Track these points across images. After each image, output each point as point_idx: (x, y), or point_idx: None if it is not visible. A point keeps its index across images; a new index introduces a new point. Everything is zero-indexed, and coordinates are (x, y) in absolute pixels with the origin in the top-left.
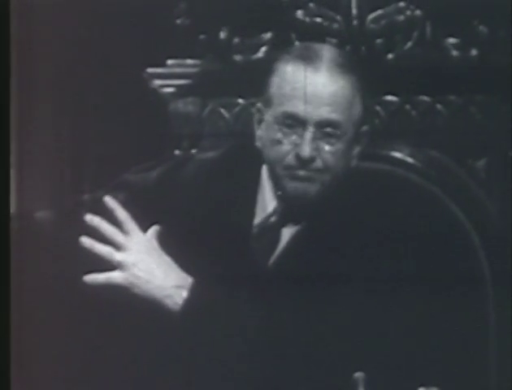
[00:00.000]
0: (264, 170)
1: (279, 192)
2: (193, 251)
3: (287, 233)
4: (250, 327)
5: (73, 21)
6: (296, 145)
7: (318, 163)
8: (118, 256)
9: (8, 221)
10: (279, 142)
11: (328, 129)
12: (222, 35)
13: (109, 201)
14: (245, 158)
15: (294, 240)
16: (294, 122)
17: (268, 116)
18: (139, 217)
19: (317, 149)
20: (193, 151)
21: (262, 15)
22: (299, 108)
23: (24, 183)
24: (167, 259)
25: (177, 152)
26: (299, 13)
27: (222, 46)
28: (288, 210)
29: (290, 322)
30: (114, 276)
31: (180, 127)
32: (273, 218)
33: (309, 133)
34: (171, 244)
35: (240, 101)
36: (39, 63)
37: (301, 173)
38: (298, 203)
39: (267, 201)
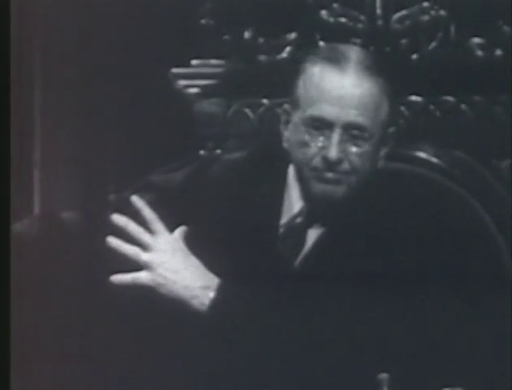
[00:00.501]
0: (291, 170)
1: (307, 194)
2: (220, 251)
3: (313, 234)
4: (277, 328)
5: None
6: (323, 148)
7: (346, 165)
8: (144, 256)
9: (8, 221)
10: (306, 144)
11: (355, 132)
12: (246, 35)
13: (136, 200)
14: (272, 159)
15: (320, 240)
16: (321, 124)
17: (295, 118)
18: (165, 217)
19: (344, 152)
20: (218, 151)
21: (286, 16)
22: (326, 111)
23: (49, 183)
24: (194, 260)
25: (202, 152)
26: (323, 13)
27: (246, 46)
28: (315, 210)
29: (316, 323)
30: (141, 277)
31: (205, 127)
32: (299, 219)
33: (336, 135)
34: (197, 245)
35: (265, 101)
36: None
37: (329, 175)
38: (325, 205)
39: (294, 202)
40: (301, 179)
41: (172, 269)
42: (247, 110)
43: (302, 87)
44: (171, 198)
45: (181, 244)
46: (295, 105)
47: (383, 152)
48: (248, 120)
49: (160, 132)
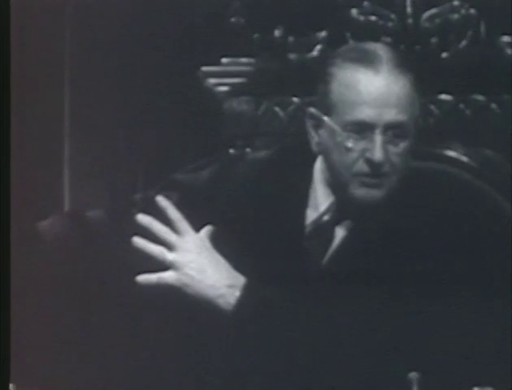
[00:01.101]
0: (316, 169)
1: (344, 197)
2: (246, 250)
3: (340, 232)
4: (303, 327)
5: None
6: (365, 151)
7: (387, 167)
8: (170, 256)
9: (8, 221)
10: (348, 149)
11: (395, 131)
12: (276, 33)
13: (161, 200)
14: (297, 157)
15: (348, 238)
16: (362, 127)
17: (331, 123)
18: (191, 216)
19: (386, 153)
20: (248, 150)
21: (316, 14)
22: (366, 113)
23: (77, 182)
24: (220, 259)
25: (231, 151)
26: (354, 11)
27: (276, 45)
28: (345, 210)
29: (344, 322)
30: (167, 276)
31: (235, 125)
32: (326, 217)
33: (378, 137)
34: (223, 244)
35: (295, 99)
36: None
37: (370, 180)
38: (366, 208)
39: (320, 200)
40: (339, 184)
41: (198, 268)
42: (277, 109)
43: (336, 92)
44: (197, 197)
45: (207, 244)
46: (328, 110)
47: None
48: (277, 119)
49: (189, 131)
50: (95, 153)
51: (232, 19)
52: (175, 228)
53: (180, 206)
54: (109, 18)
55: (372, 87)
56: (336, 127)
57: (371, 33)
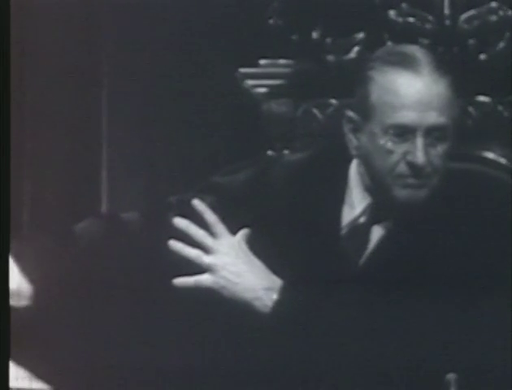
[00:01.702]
0: (352, 171)
1: (386, 199)
2: (283, 253)
3: (376, 233)
4: (340, 329)
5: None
6: (407, 154)
7: (429, 168)
8: (207, 259)
9: (8, 220)
10: (389, 152)
11: (436, 133)
12: (314, 35)
13: (197, 204)
14: (333, 160)
15: (384, 240)
16: (404, 130)
17: (371, 127)
18: (228, 219)
19: (428, 155)
20: (286, 152)
21: (354, 15)
22: (408, 117)
23: (115, 184)
24: (257, 261)
25: (269, 153)
26: (391, 13)
27: (314, 46)
28: (379, 210)
29: (380, 323)
30: (204, 279)
31: (273, 127)
32: (362, 219)
33: (420, 140)
34: (260, 246)
35: (333, 101)
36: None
37: (413, 181)
38: (408, 210)
39: (355, 202)
40: (378, 185)
41: (235, 271)
42: (315, 111)
43: (375, 95)
44: (234, 199)
45: (244, 247)
46: (368, 113)
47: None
48: (316, 120)
49: (227, 133)
50: (133, 156)
51: (271, 21)
52: (212, 231)
53: (216, 209)
54: (144, 18)
55: (413, 90)
56: (377, 131)
57: (409, 35)
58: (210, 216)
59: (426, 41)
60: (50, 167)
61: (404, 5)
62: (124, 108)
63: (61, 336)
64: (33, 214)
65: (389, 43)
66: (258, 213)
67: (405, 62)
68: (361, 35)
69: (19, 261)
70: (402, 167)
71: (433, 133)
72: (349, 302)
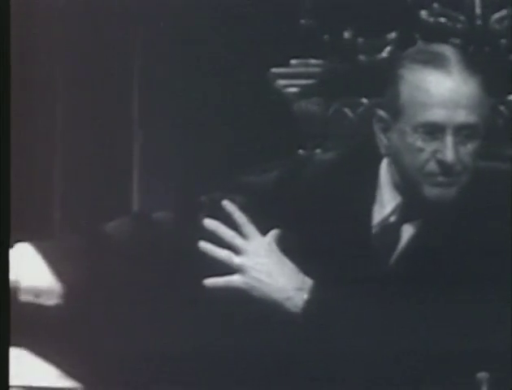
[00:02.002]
0: (382, 170)
1: (416, 198)
2: (313, 252)
3: (407, 233)
4: (372, 328)
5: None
6: (437, 152)
7: (458, 167)
8: (237, 260)
9: (8, 220)
10: (419, 150)
11: (466, 132)
12: (346, 35)
13: (227, 204)
14: (364, 159)
15: (415, 239)
16: (433, 129)
17: (401, 125)
18: (258, 219)
19: (457, 153)
20: (317, 151)
21: (386, 15)
22: (438, 115)
23: (146, 183)
24: (287, 262)
25: (301, 152)
26: (423, 13)
27: (346, 46)
28: (409, 209)
29: (411, 322)
30: (234, 280)
31: (304, 127)
32: (392, 218)
33: (450, 138)
34: (290, 246)
35: (365, 101)
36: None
37: (443, 179)
38: (438, 208)
39: (386, 201)
40: (408, 184)
41: (266, 271)
42: (346, 110)
43: (405, 94)
44: (264, 199)
45: (274, 247)
46: (398, 112)
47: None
48: (347, 120)
49: (259, 132)
50: (164, 155)
51: (302, 21)
52: (242, 232)
53: (247, 209)
54: (173, 18)
55: (443, 88)
56: (407, 129)
57: (440, 35)
58: (239, 217)
59: (457, 41)
60: (82, 167)
61: (435, 5)
62: (156, 108)
63: (91, 335)
64: (64, 213)
65: (420, 43)
66: (288, 212)
67: (435, 61)
68: (392, 35)
69: (50, 260)
70: (432, 166)
71: (463, 131)
72: (379, 301)
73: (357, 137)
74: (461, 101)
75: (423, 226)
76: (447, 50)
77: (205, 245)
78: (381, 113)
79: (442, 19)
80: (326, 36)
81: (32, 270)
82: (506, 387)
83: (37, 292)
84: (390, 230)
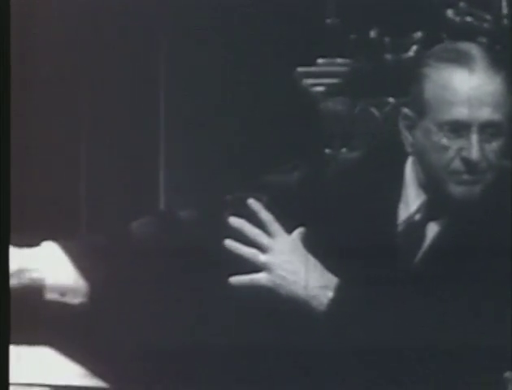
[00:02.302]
0: (407, 169)
1: (441, 196)
2: (338, 251)
3: (432, 231)
4: (396, 326)
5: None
6: (462, 150)
7: (483, 164)
8: (263, 258)
9: (8, 219)
10: (444, 148)
11: (491, 129)
12: (372, 34)
13: (252, 203)
14: (389, 157)
15: (440, 237)
16: (458, 127)
17: (426, 123)
18: (283, 217)
19: (482, 151)
20: (344, 150)
21: (412, 14)
22: (463, 113)
23: (173, 182)
24: (312, 260)
25: (327, 151)
26: (449, 12)
27: (372, 45)
28: (434, 207)
29: (436, 320)
30: (260, 278)
31: (331, 126)
32: (418, 216)
33: (475, 136)
34: (316, 244)
35: (391, 100)
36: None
37: (468, 177)
38: (463, 206)
39: (411, 200)
40: (433, 182)
41: (291, 270)
42: (373, 109)
43: (430, 92)
44: (290, 197)
45: (299, 245)
46: (423, 110)
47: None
48: (373, 119)
49: (286, 131)
50: (190, 155)
51: (328, 20)
52: (267, 230)
53: (272, 207)
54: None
55: (467, 86)
56: (432, 127)
57: (467, 34)
58: (265, 215)
59: (483, 40)
60: (108, 167)
61: (462, 4)
62: (182, 108)
63: (116, 333)
64: (90, 212)
65: (447, 42)
66: (313, 211)
67: (460, 59)
68: (419, 34)
69: (75, 259)
70: (457, 163)
71: (488, 129)
72: (405, 300)
73: (383, 136)
74: (485, 98)
75: (448, 224)
76: (472, 49)
77: (230, 243)
78: (406, 111)
79: (468, 18)
80: (352, 36)
81: (57, 269)
82: None
83: (63, 291)
84: (415, 228)
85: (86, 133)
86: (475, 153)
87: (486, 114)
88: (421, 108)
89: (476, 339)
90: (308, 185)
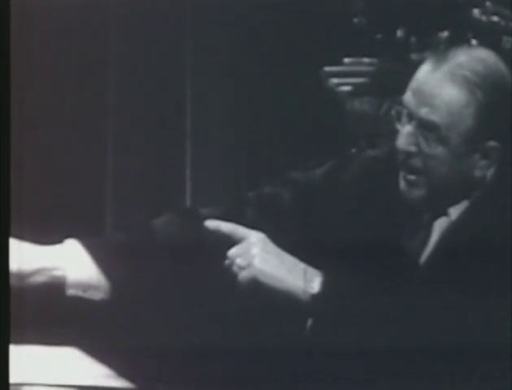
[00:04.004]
0: None
1: None
2: (360, 248)
3: (438, 228)
4: (401, 325)
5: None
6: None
7: (417, 160)
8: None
9: (8, 218)
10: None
11: (431, 132)
12: (399, 34)
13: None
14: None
15: (446, 233)
16: (407, 114)
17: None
18: (304, 213)
19: (416, 145)
20: (370, 150)
21: (438, 14)
22: (410, 101)
23: (195, 180)
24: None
25: (354, 150)
26: (476, 12)
27: (399, 45)
28: (438, 203)
29: (442, 320)
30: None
31: (357, 125)
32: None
33: (409, 127)
34: (337, 241)
35: None
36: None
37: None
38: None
39: None
40: None
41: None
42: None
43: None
44: (313, 194)
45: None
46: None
47: None
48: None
49: (312, 130)
50: (216, 152)
51: (355, 20)
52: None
53: (291, 203)
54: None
55: (419, 75)
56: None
57: (493, 33)
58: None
59: (510, 40)
60: (133, 165)
61: (488, 3)
62: (208, 106)
63: (137, 331)
64: (114, 210)
65: (473, 42)
66: (337, 208)
67: (436, 56)
68: (445, 34)
69: (98, 256)
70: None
71: (427, 129)
72: (414, 298)
73: None
74: (428, 97)
75: (453, 217)
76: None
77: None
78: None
79: (495, 18)
80: (379, 35)
81: (80, 267)
82: None
83: (85, 288)
84: (421, 227)
85: (113, 132)
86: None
87: (425, 111)
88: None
89: (489, 335)
90: (332, 183)
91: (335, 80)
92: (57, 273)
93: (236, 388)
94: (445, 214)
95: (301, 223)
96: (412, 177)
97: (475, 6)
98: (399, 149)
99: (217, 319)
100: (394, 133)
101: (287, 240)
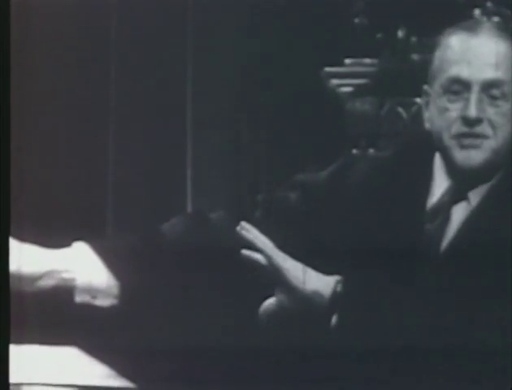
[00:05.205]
0: (436, 163)
1: (449, 164)
2: (366, 248)
3: (457, 215)
4: (423, 311)
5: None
6: (461, 110)
7: (485, 126)
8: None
9: (8, 219)
10: (446, 110)
11: (494, 90)
12: (399, 34)
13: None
14: (417, 157)
15: (467, 218)
16: (459, 88)
17: (436, 90)
18: (312, 216)
19: (482, 111)
20: (371, 150)
21: (439, 14)
22: (462, 71)
23: (201, 183)
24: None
25: (355, 151)
26: (476, 12)
27: (399, 45)
28: (460, 185)
29: (463, 306)
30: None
31: (358, 126)
32: (443, 200)
33: (474, 95)
34: (344, 242)
35: (418, 100)
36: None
37: (469, 141)
38: (467, 172)
39: (437, 188)
40: (442, 149)
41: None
42: (400, 109)
43: (438, 57)
44: (317, 197)
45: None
46: (431, 79)
47: None
48: (401, 119)
49: (313, 131)
50: (219, 154)
51: (356, 20)
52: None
53: (301, 205)
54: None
55: (467, 46)
56: (438, 91)
57: None
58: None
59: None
60: (137, 168)
61: (489, 4)
62: (209, 108)
63: (147, 334)
64: (120, 214)
65: None
66: (342, 209)
67: (465, 25)
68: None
69: (105, 260)
70: (458, 126)
71: (491, 90)
72: (432, 286)
73: (411, 136)
74: (486, 58)
75: (473, 202)
76: (480, 19)
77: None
78: (425, 87)
79: (495, 18)
80: (379, 36)
81: (88, 270)
82: None
83: (93, 292)
84: (440, 212)
85: (115, 133)
86: (472, 111)
87: (487, 72)
88: (432, 76)
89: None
90: (336, 185)
91: (336, 81)
92: (66, 276)
93: (236, 388)
94: None
95: (311, 225)
96: (477, 142)
97: (476, 6)
98: (466, 118)
99: (229, 320)
100: (394, 133)
101: (295, 243)
